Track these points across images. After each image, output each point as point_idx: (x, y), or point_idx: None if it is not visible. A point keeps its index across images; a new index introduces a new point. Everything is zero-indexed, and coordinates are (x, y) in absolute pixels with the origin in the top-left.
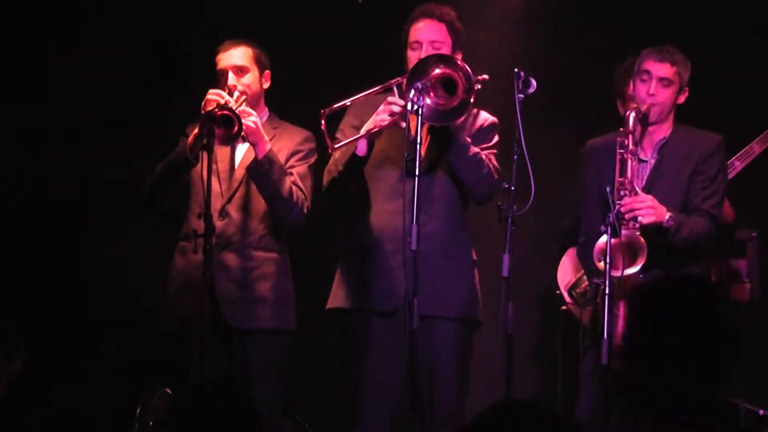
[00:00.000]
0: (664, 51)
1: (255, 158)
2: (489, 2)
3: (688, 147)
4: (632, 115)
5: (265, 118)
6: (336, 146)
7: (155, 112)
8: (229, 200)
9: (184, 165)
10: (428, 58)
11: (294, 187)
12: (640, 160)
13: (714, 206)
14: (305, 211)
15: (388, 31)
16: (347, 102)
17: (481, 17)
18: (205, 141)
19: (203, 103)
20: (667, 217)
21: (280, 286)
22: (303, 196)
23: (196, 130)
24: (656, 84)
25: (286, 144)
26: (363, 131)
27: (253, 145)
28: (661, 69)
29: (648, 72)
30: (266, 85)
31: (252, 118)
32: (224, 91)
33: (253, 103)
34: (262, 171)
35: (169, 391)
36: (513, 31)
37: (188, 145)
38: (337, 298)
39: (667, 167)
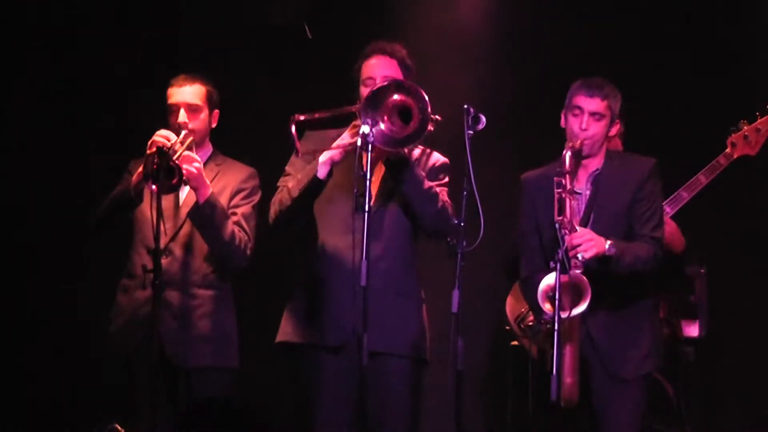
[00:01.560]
0: (593, 85)
1: (196, 203)
2: (439, 40)
3: (623, 175)
4: (568, 154)
5: (208, 154)
6: (303, 152)
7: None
8: (173, 239)
9: (128, 204)
10: (385, 86)
11: (236, 228)
12: (575, 193)
13: (655, 228)
14: (248, 252)
15: (339, 64)
16: (314, 115)
17: (430, 54)
18: (152, 182)
19: (149, 143)
20: (607, 245)
21: (222, 324)
22: (246, 238)
23: (140, 169)
24: (588, 118)
25: (229, 182)
26: (333, 145)
27: (194, 190)
28: (591, 104)
29: (579, 107)
30: (214, 125)
31: (195, 164)
32: (174, 126)
33: (198, 141)
34: (204, 216)
35: (118, 426)
36: (462, 66)
37: (132, 185)
38: (285, 332)
39: (603, 198)
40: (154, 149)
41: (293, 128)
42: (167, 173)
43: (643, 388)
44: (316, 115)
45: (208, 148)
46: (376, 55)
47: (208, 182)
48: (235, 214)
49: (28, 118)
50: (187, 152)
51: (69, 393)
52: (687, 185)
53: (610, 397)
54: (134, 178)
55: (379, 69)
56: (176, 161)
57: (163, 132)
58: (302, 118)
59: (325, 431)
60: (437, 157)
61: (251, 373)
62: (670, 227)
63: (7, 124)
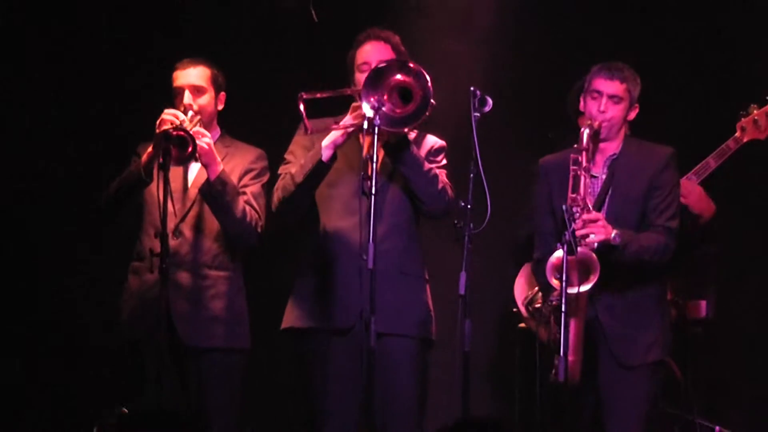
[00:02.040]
0: (613, 68)
1: (207, 179)
2: (444, 22)
3: (640, 161)
4: (586, 132)
5: (216, 137)
6: (312, 130)
7: (109, 128)
8: (183, 219)
9: (138, 183)
10: (390, 63)
11: (247, 207)
12: (592, 176)
13: (669, 219)
14: (259, 230)
15: (345, 47)
16: (320, 95)
17: (439, 36)
18: (160, 160)
19: (158, 122)
20: (613, 234)
21: (233, 305)
22: (257, 216)
23: (149, 149)
24: (606, 101)
25: (238, 163)
26: (340, 124)
27: (205, 166)
28: (611, 87)
29: (598, 90)
30: (220, 107)
31: (206, 139)
32: (179, 109)
33: (206, 123)
34: (215, 192)
35: (125, 410)
36: (469, 49)
37: (142, 164)
38: (291, 317)
39: (618, 182)
40: (164, 127)
41: (302, 106)
42: (180, 144)
43: (651, 375)
44: (318, 95)
45: (217, 131)
46: (370, 41)
47: (219, 158)
48: (244, 193)
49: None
50: (197, 128)
51: (77, 379)
52: (696, 169)
53: (616, 382)
54: (144, 156)
55: (374, 54)
56: (189, 131)
57: (170, 110)
58: (307, 96)
59: (332, 413)
60: (434, 140)
61: (260, 357)
62: (697, 191)
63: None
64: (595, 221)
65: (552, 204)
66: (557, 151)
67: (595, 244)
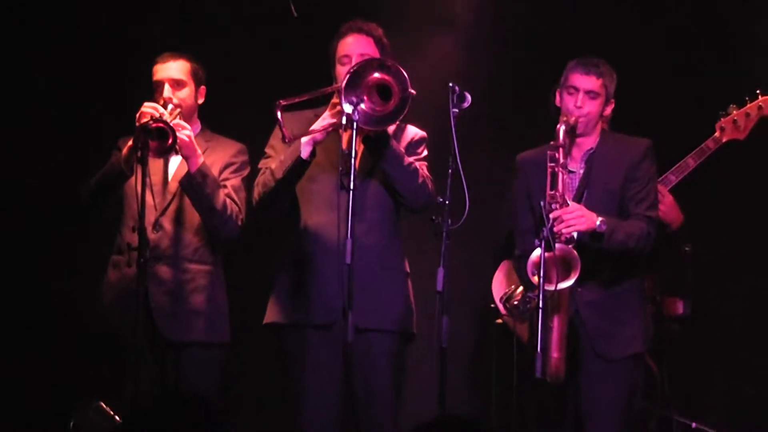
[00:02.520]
0: (589, 64)
1: (188, 172)
2: (426, 16)
3: (617, 154)
4: (562, 128)
5: (197, 131)
6: (292, 137)
7: (89, 123)
8: (163, 213)
9: (119, 177)
10: (368, 61)
11: (228, 200)
12: (570, 172)
13: (649, 208)
14: (239, 223)
15: (325, 42)
16: (298, 99)
17: (416, 32)
18: (139, 153)
19: (137, 116)
20: (598, 222)
21: (214, 299)
22: (237, 209)
23: (130, 143)
24: (583, 96)
25: (219, 157)
26: (315, 125)
27: (186, 158)
28: (587, 82)
29: (575, 86)
30: (201, 101)
31: (186, 132)
32: (159, 103)
33: (186, 117)
34: (195, 184)
35: (102, 404)
36: (449, 45)
37: (122, 157)
38: (273, 313)
39: (596, 176)
40: (143, 120)
41: (279, 115)
42: (160, 136)
43: (631, 369)
44: (297, 99)
45: (197, 125)
46: (352, 33)
47: (199, 151)
48: (224, 187)
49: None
50: (177, 120)
51: (55, 372)
52: (675, 168)
53: (597, 376)
54: (124, 150)
55: (355, 47)
56: (169, 123)
57: (150, 103)
58: (284, 103)
59: (312, 405)
60: (414, 131)
61: (241, 352)
62: (669, 201)
63: None
64: (572, 212)
65: (531, 200)
66: (532, 148)
67: (574, 234)
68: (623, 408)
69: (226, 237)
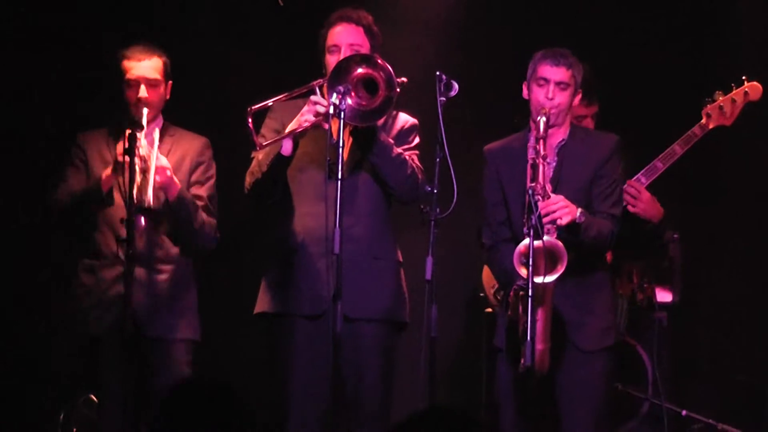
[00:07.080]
0: (558, 54)
1: (166, 201)
2: (412, 6)
3: (586, 150)
4: (542, 119)
5: (160, 126)
6: (264, 144)
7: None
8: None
9: (98, 204)
10: (350, 57)
11: (205, 216)
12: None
13: (613, 206)
14: (216, 235)
15: (308, 34)
16: (269, 102)
17: (403, 20)
18: (126, 158)
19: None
20: (578, 213)
21: (184, 297)
22: (215, 222)
23: (108, 171)
24: (554, 88)
25: (185, 152)
26: (288, 130)
27: (164, 190)
28: (557, 73)
29: (545, 77)
30: (168, 96)
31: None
32: (132, 102)
33: (154, 113)
34: (175, 211)
35: (93, 396)
36: (435, 33)
37: (103, 189)
38: (263, 302)
39: (567, 169)
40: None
41: (250, 121)
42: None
43: (608, 360)
44: (270, 102)
45: (160, 120)
46: (341, 22)
47: (177, 181)
48: (200, 197)
49: None
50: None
51: (44, 368)
52: (662, 156)
53: (574, 367)
54: (104, 179)
55: (344, 36)
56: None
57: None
58: (255, 109)
59: (301, 395)
60: (405, 119)
61: (225, 345)
62: (646, 198)
63: None
64: (557, 203)
65: (503, 192)
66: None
67: (558, 228)
68: (601, 398)
69: (202, 251)
